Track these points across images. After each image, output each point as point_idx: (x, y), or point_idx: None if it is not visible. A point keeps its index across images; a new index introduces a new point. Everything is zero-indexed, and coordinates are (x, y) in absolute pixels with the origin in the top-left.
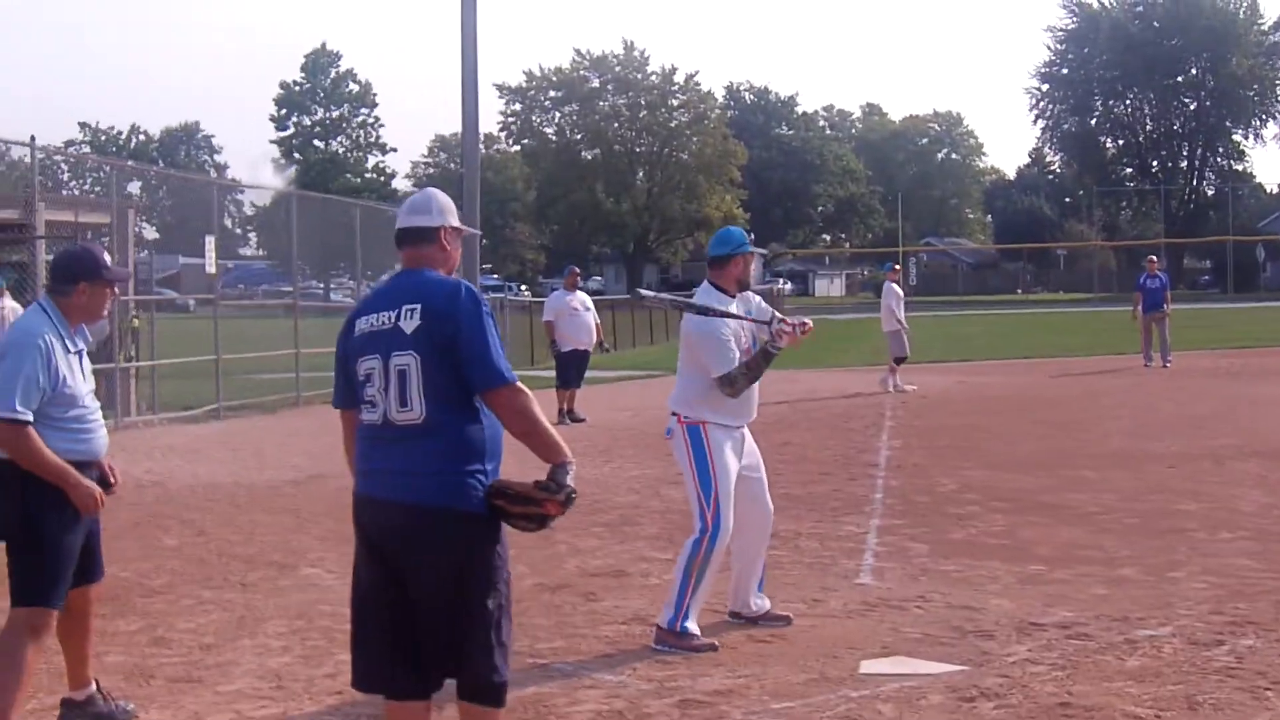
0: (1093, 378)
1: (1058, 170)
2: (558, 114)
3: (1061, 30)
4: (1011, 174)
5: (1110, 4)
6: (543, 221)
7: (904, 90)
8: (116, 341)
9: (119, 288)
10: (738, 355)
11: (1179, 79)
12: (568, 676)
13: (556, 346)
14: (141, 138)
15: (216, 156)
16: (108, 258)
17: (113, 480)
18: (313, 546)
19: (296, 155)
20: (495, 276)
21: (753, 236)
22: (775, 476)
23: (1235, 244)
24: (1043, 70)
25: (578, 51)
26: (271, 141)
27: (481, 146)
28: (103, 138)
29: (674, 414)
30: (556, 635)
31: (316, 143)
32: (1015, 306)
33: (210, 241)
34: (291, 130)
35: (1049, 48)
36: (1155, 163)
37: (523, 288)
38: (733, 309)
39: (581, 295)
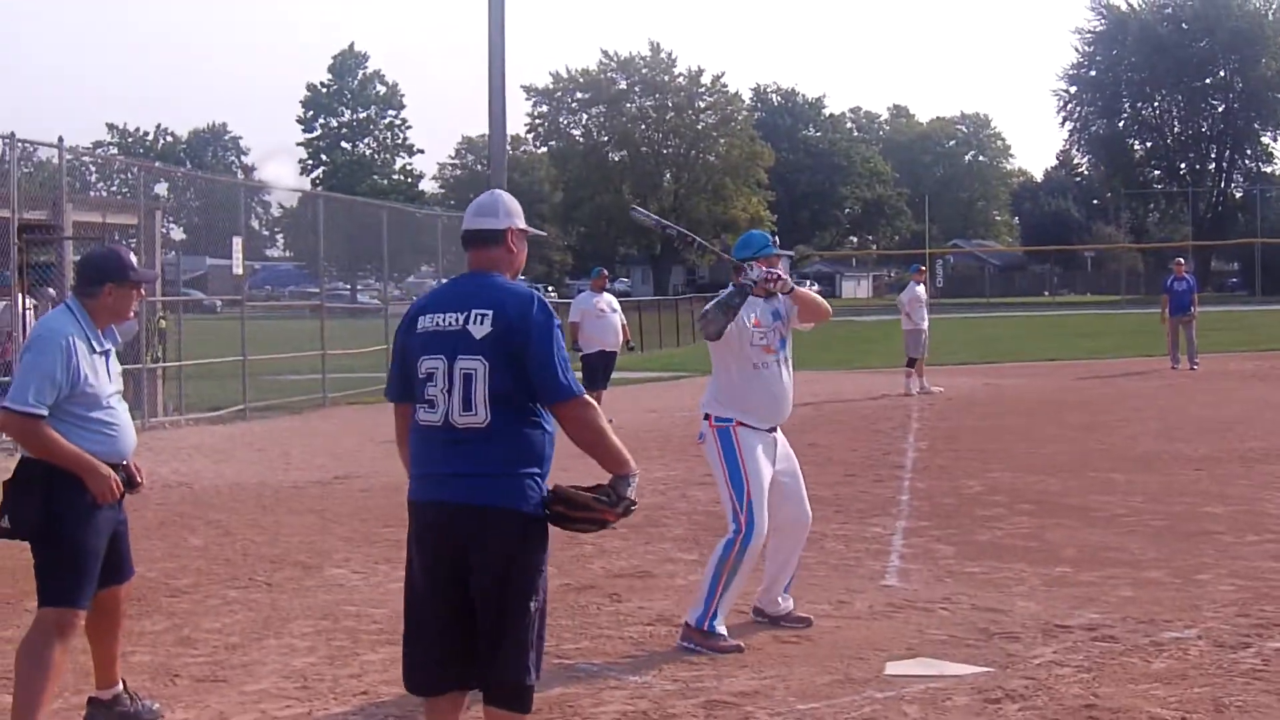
0: (1120, 380)
1: (1085, 172)
2: (585, 115)
3: (1089, 32)
4: (1039, 176)
5: (1138, 6)
6: (570, 223)
7: (931, 92)
8: (144, 342)
9: (145, 289)
10: (723, 316)
11: (1207, 81)
12: (593, 677)
13: (578, 347)
14: (169, 139)
15: (244, 157)
16: (134, 259)
17: (139, 480)
18: (338, 547)
19: (324, 156)
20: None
21: (777, 240)
22: (802, 478)
23: (1263, 246)
24: (1070, 72)
25: (605, 53)
26: (298, 144)
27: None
28: (130, 139)
29: (705, 416)
30: (582, 636)
31: (344, 144)
32: (1042, 309)
33: (237, 243)
34: (319, 131)
35: (1077, 49)
36: (1183, 165)
37: (550, 289)
38: (758, 311)
39: (608, 297)
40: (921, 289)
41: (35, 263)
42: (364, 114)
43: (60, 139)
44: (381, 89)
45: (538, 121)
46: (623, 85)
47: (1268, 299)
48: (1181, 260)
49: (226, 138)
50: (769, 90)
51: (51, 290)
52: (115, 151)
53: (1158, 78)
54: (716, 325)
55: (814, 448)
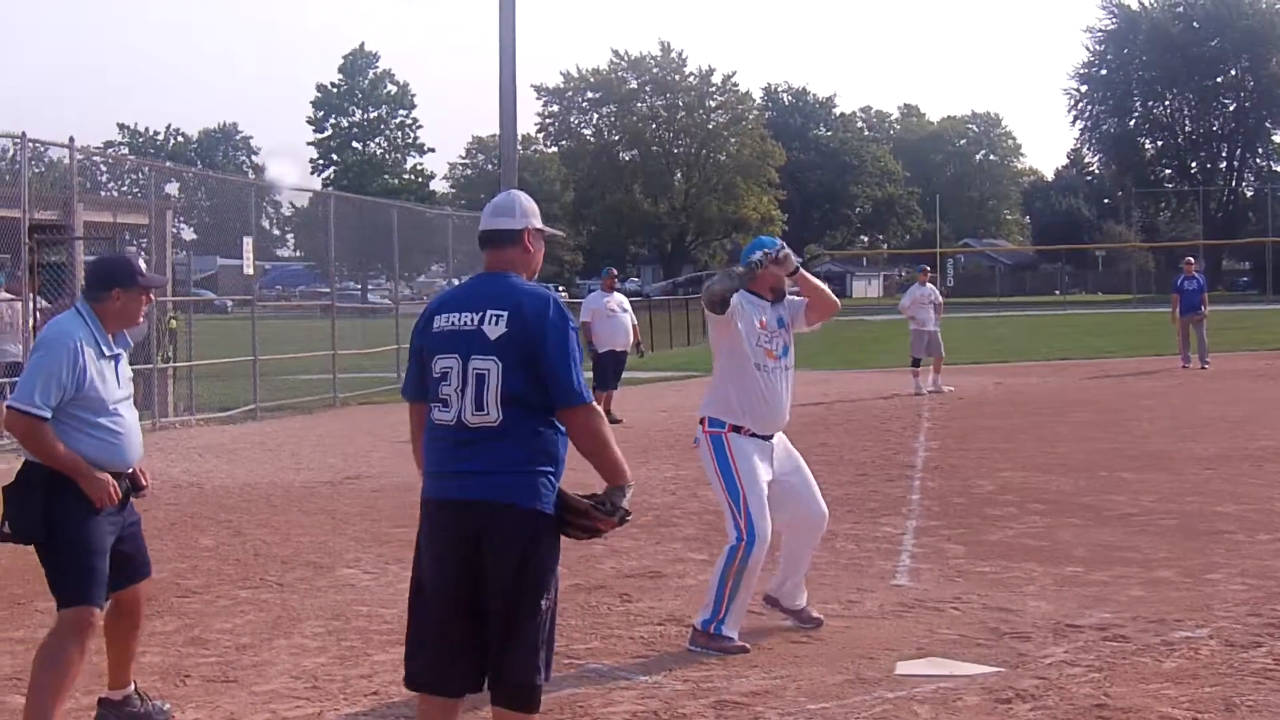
0: (1130, 379)
1: (1096, 171)
2: (595, 115)
3: (1100, 31)
4: (1050, 175)
5: (1150, 4)
6: (580, 222)
7: (942, 91)
8: (154, 342)
9: (155, 292)
10: (729, 281)
11: (1218, 79)
12: (603, 677)
13: (593, 348)
14: (179, 139)
15: (254, 157)
16: (143, 264)
17: (144, 483)
18: (349, 547)
19: (334, 156)
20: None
21: (786, 248)
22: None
23: (1274, 245)
24: (1081, 71)
25: (615, 52)
26: (309, 143)
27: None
28: (140, 139)
29: (700, 421)
30: (592, 636)
31: (354, 144)
32: (1053, 308)
33: (248, 243)
34: (329, 131)
35: (1088, 48)
36: (1194, 164)
37: (560, 289)
38: (765, 315)
39: (619, 296)
40: (927, 289)
41: (46, 263)
42: (374, 114)
43: (71, 139)
44: (392, 88)
45: (548, 121)
46: (633, 85)
47: (1279, 298)
48: (1191, 260)
49: (237, 138)
50: (780, 90)
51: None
52: (126, 151)
53: (1169, 76)
54: (722, 288)
55: (825, 447)
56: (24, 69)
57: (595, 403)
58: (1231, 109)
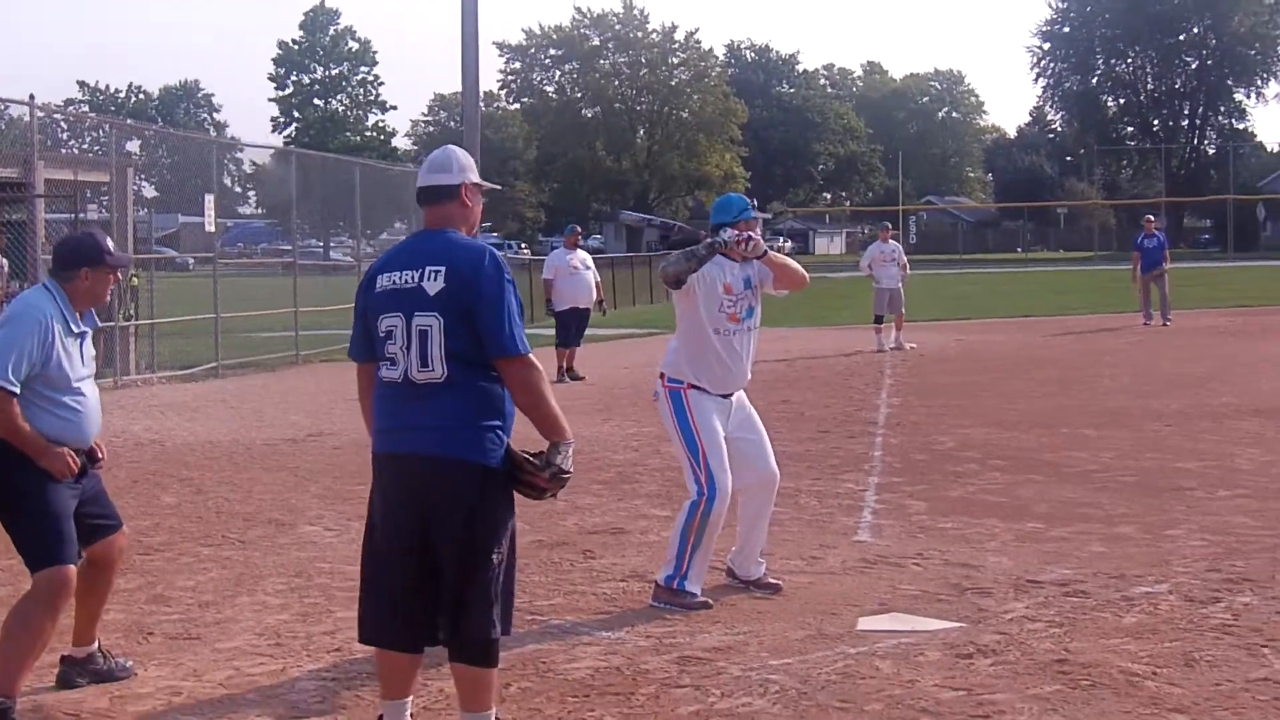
0: (1092, 336)
1: (1058, 129)
2: (558, 72)
3: None
4: (1012, 133)
5: None
6: (543, 179)
7: (905, 49)
8: (116, 300)
9: (121, 272)
10: (686, 264)
11: (1181, 37)
12: (566, 633)
13: (551, 306)
14: (140, 96)
15: (216, 115)
16: (110, 243)
17: (100, 456)
18: (311, 505)
19: (296, 114)
20: (495, 235)
21: (755, 202)
22: (774, 434)
23: (1236, 203)
24: (1044, 28)
25: (578, 9)
26: (270, 100)
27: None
28: (101, 96)
29: (660, 375)
30: (555, 592)
31: (316, 101)
32: (1015, 265)
33: (210, 200)
34: (290, 89)
35: (1051, 6)
36: (1156, 121)
37: (523, 246)
38: (731, 276)
39: (582, 254)
40: (890, 246)
41: (6, 221)
42: (336, 70)
43: (31, 96)
44: (353, 45)
45: (511, 78)
46: (596, 42)
47: (1240, 255)
48: (1151, 218)
49: (199, 95)
50: (742, 47)
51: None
52: (87, 109)
53: (1131, 34)
54: (676, 269)
55: (787, 404)
56: None
57: (532, 355)
58: (1194, 67)
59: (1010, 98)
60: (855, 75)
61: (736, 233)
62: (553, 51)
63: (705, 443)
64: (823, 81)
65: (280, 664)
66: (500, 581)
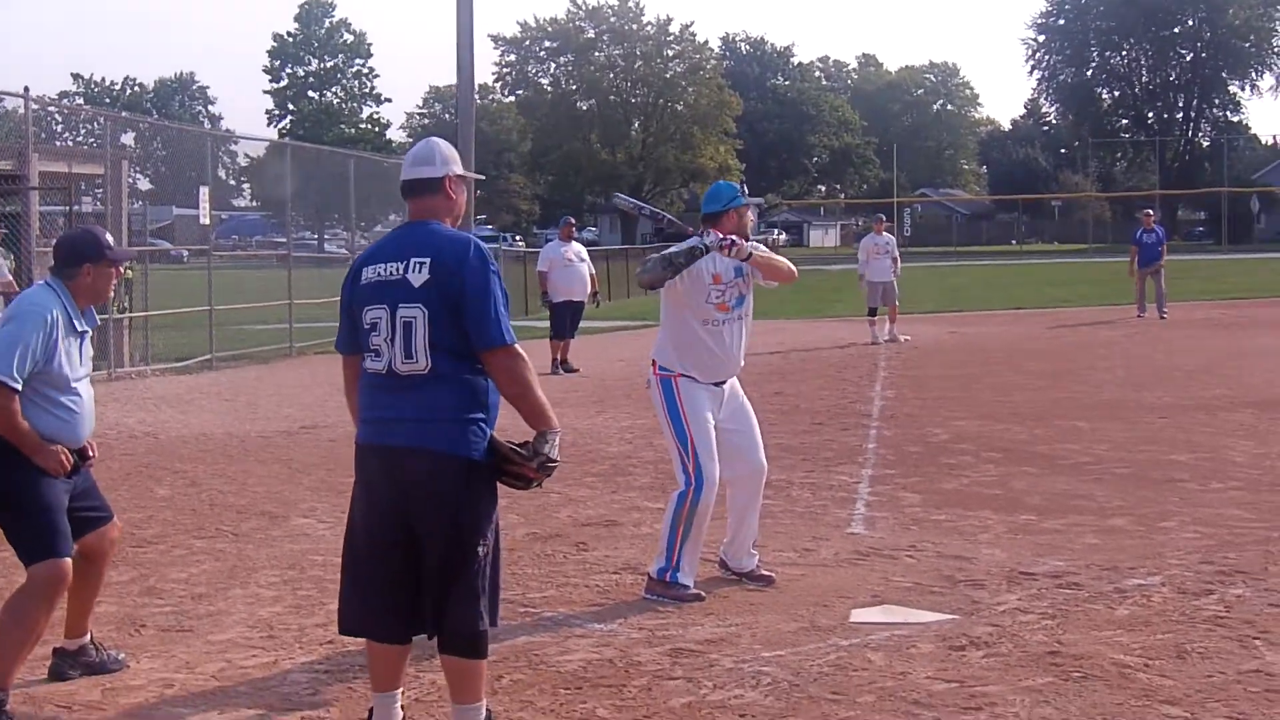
0: (1086, 329)
1: (1053, 121)
2: (553, 64)
3: None
4: (1007, 125)
5: None
6: (537, 172)
7: (900, 41)
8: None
9: (122, 267)
10: (663, 271)
11: (1175, 30)
12: (559, 625)
13: (548, 298)
14: (136, 89)
15: (211, 107)
16: (109, 238)
17: (91, 454)
18: (305, 497)
19: (291, 106)
20: (490, 227)
21: (745, 188)
22: (768, 426)
23: (1230, 195)
24: (1039, 21)
25: (573, 2)
26: (265, 92)
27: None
28: (96, 89)
29: (652, 363)
30: (548, 585)
31: (311, 94)
32: (1009, 257)
33: (204, 192)
34: (285, 81)
35: None
36: (1151, 114)
37: (517, 238)
38: (720, 267)
39: (576, 246)
40: (884, 238)
41: (1, 213)
42: (331, 63)
43: (26, 89)
44: (349, 38)
45: (505, 71)
46: (591, 34)
47: (1234, 248)
48: (1150, 212)
49: (194, 88)
50: (737, 39)
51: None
52: (81, 101)
53: (1126, 27)
54: (651, 277)
55: (780, 396)
56: None
57: (518, 346)
58: (1188, 59)
59: (1005, 90)
60: (850, 68)
61: (719, 237)
62: (548, 44)
63: (694, 433)
64: (817, 74)
65: (273, 656)
66: (487, 574)
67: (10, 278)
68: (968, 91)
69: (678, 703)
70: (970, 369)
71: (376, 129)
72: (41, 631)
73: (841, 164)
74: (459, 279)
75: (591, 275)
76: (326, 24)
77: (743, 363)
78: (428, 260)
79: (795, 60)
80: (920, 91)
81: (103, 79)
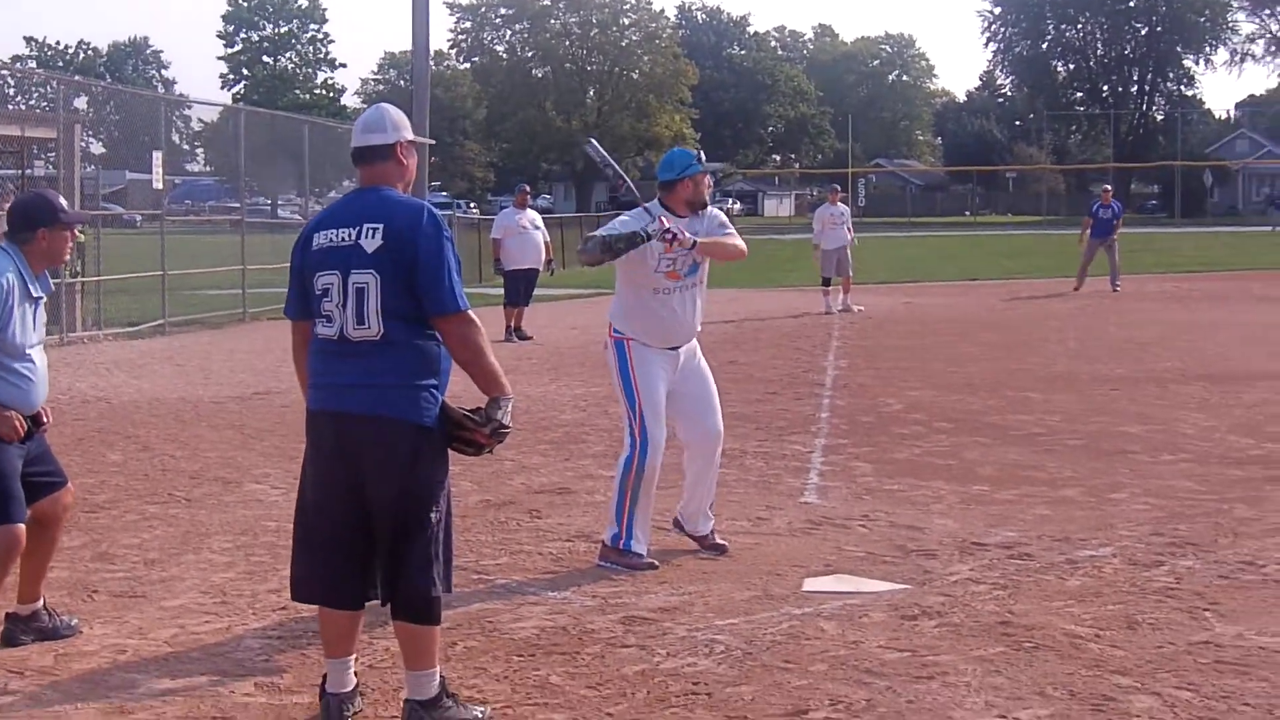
0: (1040, 300)
1: (1008, 94)
2: (508, 31)
3: None
4: (962, 97)
5: None
6: (492, 139)
7: (856, 12)
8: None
9: (77, 230)
10: (601, 253)
11: (1131, 4)
12: (512, 593)
13: (501, 265)
14: (89, 53)
15: (165, 71)
16: (63, 202)
17: (46, 420)
18: (258, 463)
19: (245, 71)
20: (444, 194)
21: (702, 155)
22: (722, 395)
23: (1183, 169)
24: None
25: None
26: (219, 57)
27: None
28: (49, 52)
29: (608, 325)
30: (501, 552)
31: (265, 59)
32: (963, 228)
33: (157, 157)
34: (239, 46)
35: None
36: (1105, 87)
37: (472, 206)
38: (679, 226)
39: (531, 214)
40: (838, 208)
41: None
42: (285, 28)
43: None
44: (303, 2)
45: (461, 37)
46: (546, 1)
47: (1187, 221)
48: (1108, 189)
49: (147, 52)
50: (693, 8)
51: None
52: (34, 65)
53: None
54: (589, 257)
55: (734, 365)
56: None
57: (471, 312)
58: (1143, 33)
59: (960, 62)
60: (806, 38)
61: (662, 228)
62: (503, 10)
63: (643, 396)
64: (773, 44)
65: (226, 622)
66: (440, 540)
67: None
68: (923, 63)
69: (631, 670)
70: (924, 339)
71: (331, 95)
72: None
73: (797, 134)
74: (412, 245)
75: (546, 243)
76: None
77: (699, 328)
78: (380, 226)
79: (751, 30)
80: (876, 62)
81: (56, 42)
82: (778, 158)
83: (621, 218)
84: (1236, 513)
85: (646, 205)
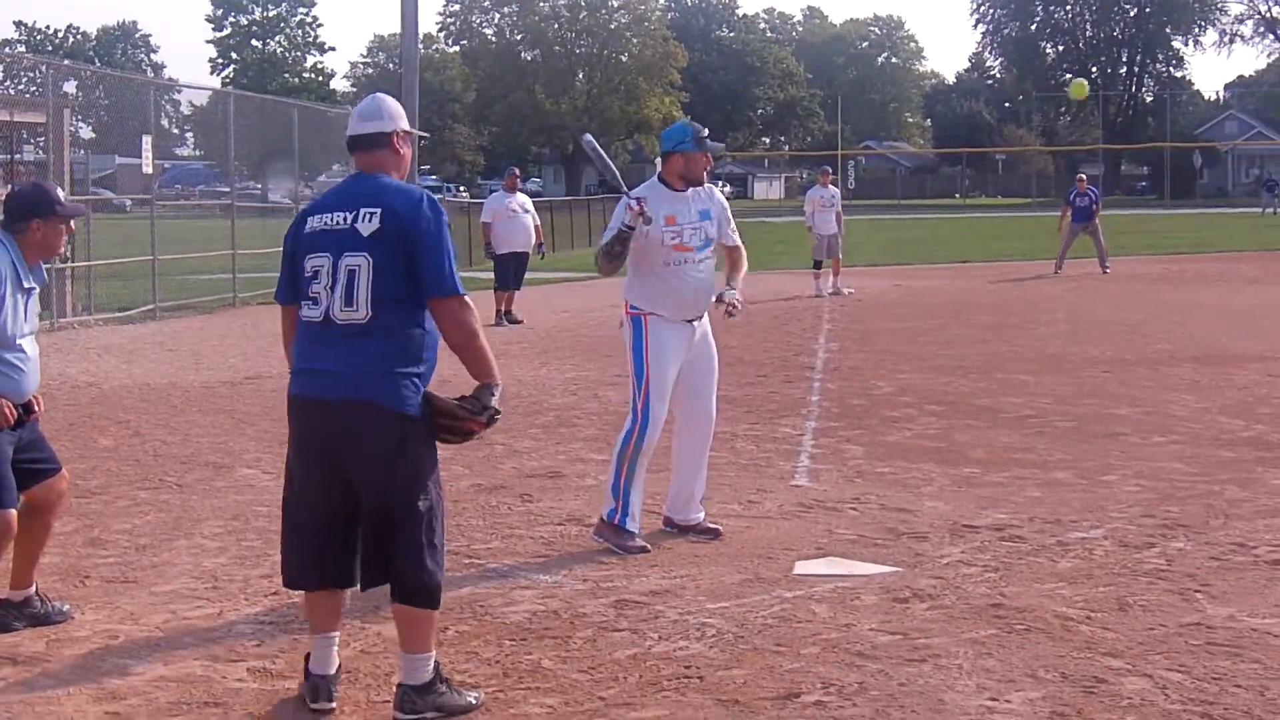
0: (1030, 282)
1: (997, 75)
2: (497, 14)
3: None
4: (951, 78)
5: None
6: (482, 123)
7: None
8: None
9: (73, 223)
10: (609, 263)
11: None
12: (504, 577)
13: (491, 249)
14: (78, 37)
15: (154, 56)
16: (61, 194)
17: (37, 408)
18: (248, 448)
19: (234, 55)
20: (434, 178)
21: (704, 133)
22: None
23: (1172, 150)
24: None
25: None
26: (208, 41)
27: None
28: (39, 36)
29: (624, 303)
30: (493, 536)
31: (254, 42)
32: (953, 211)
33: (147, 141)
34: (229, 30)
35: None
36: (1095, 68)
37: (461, 189)
38: (679, 207)
39: (521, 197)
40: (829, 191)
41: None
42: (274, 11)
43: None
44: None
45: (450, 20)
46: None
47: (1176, 203)
48: (1083, 176)
49: (136, 36)
50: None
51: None
52: (23, 49)
53: None
54: (603, 271)
55: (725, 349)
56: None
57: (468, 297)
58: (1132, 14)
59: (949, 43)
60: (795, 20)
61: (632, 213)
62: None
63: (652, 374)
64: (762, 26)
65: (217, 607)
66: (433, 527)
67: None
68: (912, 45)
69: (623, 654)
70: (914, 322)
71: (320, 78)
72: None
73: (786, 116)
74: (414, 228)
75: (536, 226)
76: None
77: (712, 299)
78: (378, 210)
79: (740, 12)
80: (865, 44)
81: (46, 26)
82: (767, 140)
83: (607, 234)
84: (1228, 494)
85: (626, 192)
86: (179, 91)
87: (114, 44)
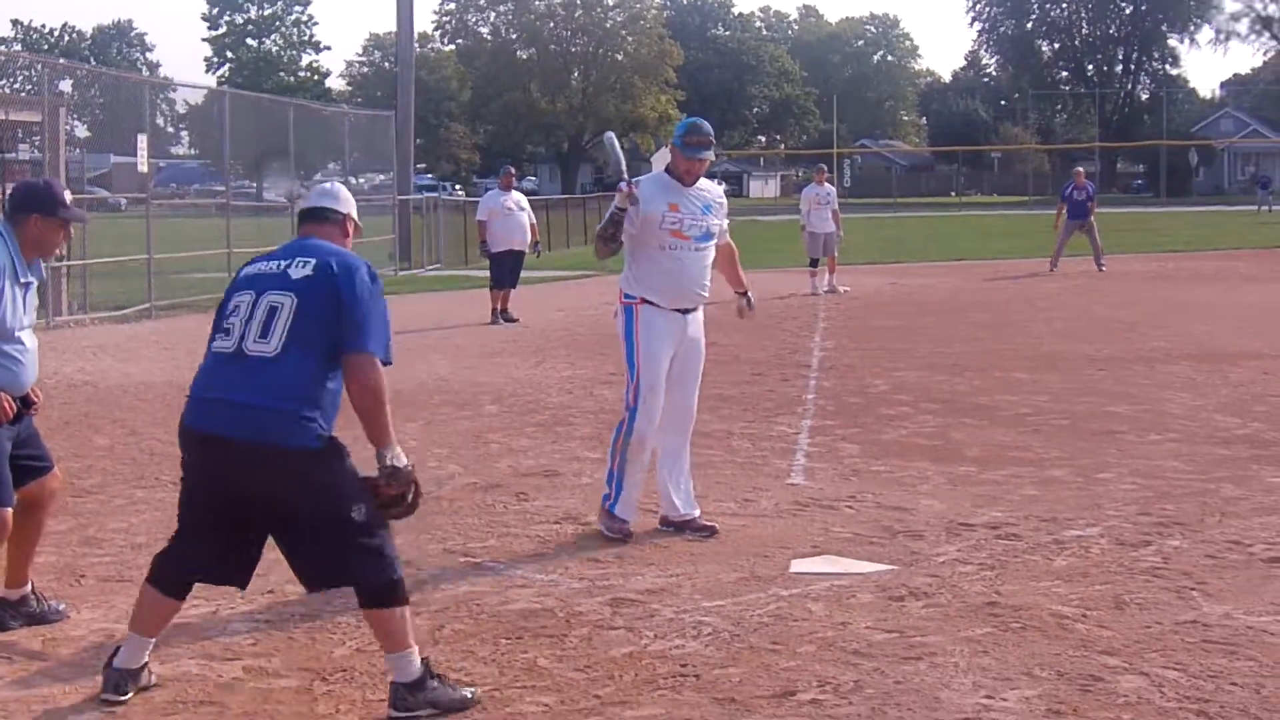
0: (1026, 280)
1: (993, 73)
2: (493, 13)
3: None
4: (947, 77)
5: None
6: (477, 121)
7: None
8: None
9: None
10: (605, 246)
11: None
12: (499, 575)
13: (486, 247)
14: (74, 35)
15: (149, 54)
16: (68, 196)
17: (35, 400)
18: None
19: (229, 54)
20: (429, 176)
21: (707, 138)
22: (707, 377)
23: (1168, 148)
24: None
25: None
26: (203, 40)
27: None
28: (34, 35)
29: (619, 293)
30: (488, 534)
31: (249, 41)
32: (949, 209)
33: (142, 140)
34: (224, 29)
35: None
36: (1090, 66)
37: (457, 188)
38: (681, 198)
39: (516, 195)
40: (825, 189)
41: None
42: (270, 10)
43: None
44: None
45: (445, 19)
46: None
47: (1172, 200)
48: (1081, 170)
49: (132, 35)
50: None
51: None
52: (19, 48)
53: None
54: (599, 254)
55: (720, 346)
56: None
57: (383, 369)
58: (1128, 12)
59: (945, 42)
60: (791, 18)
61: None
62: None
63: (643, 363)
64: (758, 24)
65: (213, 606)
66: (374, 529)
67: None
68: (908, 43)
69: (619, 653)
70: (910, 320)
71: (316, 77)
72: None
73: (782, 115)
74: (349, 285)
75: (531, 224)
76: None
77: (706, 294)
78: (313, 260)
79: (736, 10)
80: (860, 43)
81: (41, 25)
82: (763, 139)
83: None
84: (1224, 492)
85: (625, 179)
86: (174, 90)
87: (109, 42)
